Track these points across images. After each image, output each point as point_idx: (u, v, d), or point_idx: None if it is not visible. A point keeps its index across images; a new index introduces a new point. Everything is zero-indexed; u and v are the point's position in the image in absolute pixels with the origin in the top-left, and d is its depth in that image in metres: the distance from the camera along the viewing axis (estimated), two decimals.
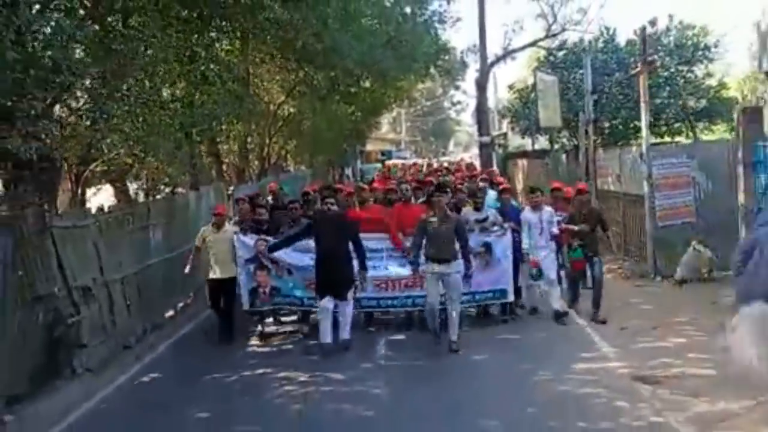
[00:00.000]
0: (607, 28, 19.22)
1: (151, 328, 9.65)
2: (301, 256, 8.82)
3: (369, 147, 42.50)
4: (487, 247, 8.84)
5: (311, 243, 8.49)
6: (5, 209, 7.25)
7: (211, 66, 10.93)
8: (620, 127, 17.89)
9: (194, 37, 10.15)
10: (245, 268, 9.01)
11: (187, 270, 9.17)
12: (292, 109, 20.61)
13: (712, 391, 6.27)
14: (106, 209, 9.46)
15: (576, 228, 9.01)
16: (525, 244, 8.94)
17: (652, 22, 18.21)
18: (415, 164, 27.29)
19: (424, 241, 8.09)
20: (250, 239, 9.01)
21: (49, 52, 6.29)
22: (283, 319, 9.77)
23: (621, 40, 18.85)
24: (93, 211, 9.04)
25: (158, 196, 12.55)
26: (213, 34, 11.09)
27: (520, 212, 9.36)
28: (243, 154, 18.57)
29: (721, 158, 10.69)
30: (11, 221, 7.25)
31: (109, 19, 8.52)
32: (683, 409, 5.90)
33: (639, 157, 11.37)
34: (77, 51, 6.76)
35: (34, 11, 5.76)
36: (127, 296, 9.22)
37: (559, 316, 9.01)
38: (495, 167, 22.72)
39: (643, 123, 11.27)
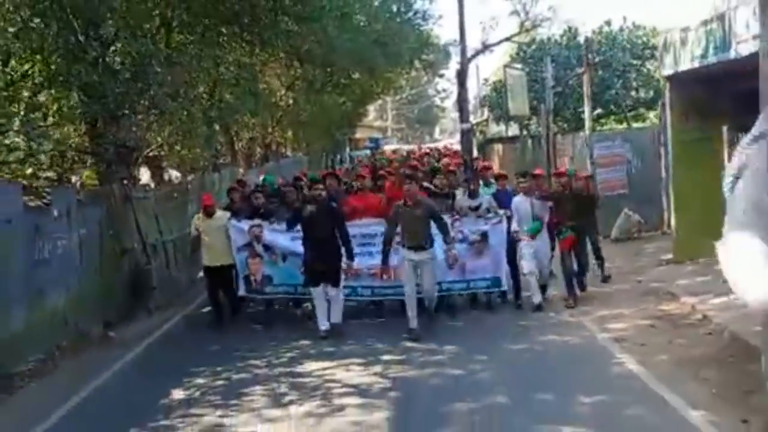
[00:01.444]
0: (570, 28, 21.77)
1: (190, 282, 12.14)
2: (296, 243, 8.73)
3: (358, 135, 44.92)
4: (484, 235, 8.79)
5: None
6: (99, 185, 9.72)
7: (232, 69, 13.41)
8: (581, 116, 20.44)
9: (223, 48, 12.57)
10: (239, 255, 9.02)
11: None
12: (291, 101, 23.05)
13: (616, 303, 8.95)
14: (153, 186, 12.01)
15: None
16: (514, 226, 8.79)
17: (608, 23, 20.83)
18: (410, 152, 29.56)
19: (398, 230, 8.12)
20: (244, 224, 9.03)
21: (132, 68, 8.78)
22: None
23: (585, 36, 21.29)
24: None
25: (189, 177, 15.02)
26: (236, 43, 13.50)
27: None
28: (250, 141, 21.01)
29: (649, 142, 13.33)
30: (104, 193, 9.76)
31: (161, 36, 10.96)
32: (590, 314, 8.54)
33: (584, 142, 14.00)
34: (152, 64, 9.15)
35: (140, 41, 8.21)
36: (176, 255, 11.71)
37: (538, 309, 8.77)
38: (475, 152, 25.31)
39: (587, 113, 13.90)
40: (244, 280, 9.08)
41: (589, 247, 9.75)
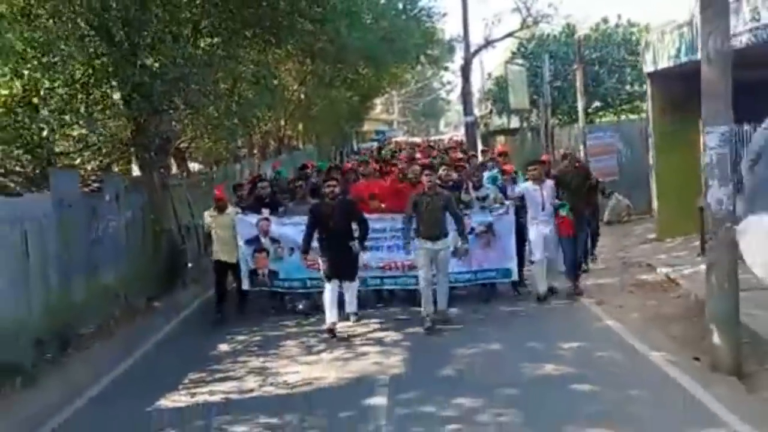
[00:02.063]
0: (568, 25, 22.84)
1: None
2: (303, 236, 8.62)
3: (365, 127, 46.11)
4: (489, 226, 8.80)
5: None
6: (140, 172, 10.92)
7: (251, 67, 14.54)
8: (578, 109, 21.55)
9: (244, 48, 13.69)
10: (245, 250, 9.01)
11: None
12: (302, 96, 24.20)
13: (600, 275, 10.09)
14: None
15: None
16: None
17: (605, 20, 21.92)
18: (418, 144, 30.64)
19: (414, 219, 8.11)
20: (252, 218, 9.03)
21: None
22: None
23: (578, 36, 22.38)
24: None
25: (212, 168, 16.20)
26: (256, 44, 14.62)
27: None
28: (265, 135, 22.17)
29: (637, 133, 14.45)
30: (145, 180, 10.94)
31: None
32: None
33: (579, 134, 15.14)
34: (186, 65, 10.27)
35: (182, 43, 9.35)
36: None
37: (541, 298, 8.76)
38: (479, 143, 26.49)
39: (580, 107, 15.00)
40: (249, 273, 9.05)
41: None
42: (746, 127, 11.11)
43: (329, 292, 8.05)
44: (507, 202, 8.93)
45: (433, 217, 7.99)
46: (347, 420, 5.52)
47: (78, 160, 10.82)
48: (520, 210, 8.93)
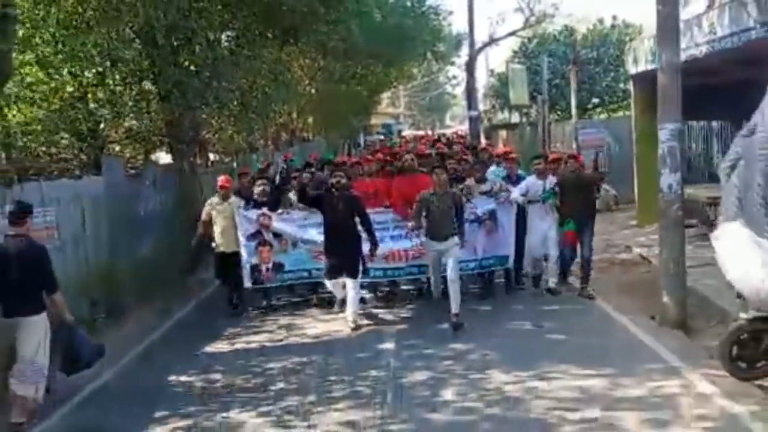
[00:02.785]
0: (566, 26, 24.04)
1: None
2: (307, 229, 8.83)
3: (372, 121, 47.28)
4: (492, 214, 8.81)
5: (318, 219, 8.47)
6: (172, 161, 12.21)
7: (270, 65, 15.80)
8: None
9: (265, 47, 14.94)
10: (247, 244, 8.92)
11: (193, 242, 9.71)
12: (313, 91, 25.47)
13: None
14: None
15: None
16: (515, 193, 8.80)
17: (600, 21, 23.12)
18: (424, 136, 31.82)
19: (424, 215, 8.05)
20: (252, 213, 8.95)
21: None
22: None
23: (573, 38, 23.58)
24: None
25: (232, 157, 17.47)
26: (275, 44, 15.88)
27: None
28: (279, 127, 23.45)
29: (625, 129, 15.65)
30: (177, 167, 12.21)
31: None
32: None
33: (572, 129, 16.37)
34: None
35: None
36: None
37: (552, 292, 8.88)
38: (482, 136, 27.70)
39: (573, 105, 16.23)
40: (251, 269, 8.90)
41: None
42: (714, 124, 12.40)
43: (335, 288, 8.29)
44: (512, 189, 8.83)
45: (442, 217, 7.91)
46: (363, 359, 6.84)
47: (123, 149, 12.08)
48: (522, 208, 8.89)
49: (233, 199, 9.12)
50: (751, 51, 8.16)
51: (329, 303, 8.86)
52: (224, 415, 5.71)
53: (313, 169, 10.83)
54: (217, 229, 9.03)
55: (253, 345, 7.60)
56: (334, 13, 14.64)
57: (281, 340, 7.73)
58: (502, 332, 7.46)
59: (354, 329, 7.83)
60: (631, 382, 5.85)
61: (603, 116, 23.01)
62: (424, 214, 8.01)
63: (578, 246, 8.81)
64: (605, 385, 5.84)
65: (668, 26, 7.14)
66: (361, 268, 8.15)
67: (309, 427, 5.37)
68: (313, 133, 31.55)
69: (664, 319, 7.33)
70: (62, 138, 9.31)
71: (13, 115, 8.09)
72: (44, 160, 9.14)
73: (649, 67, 11.37)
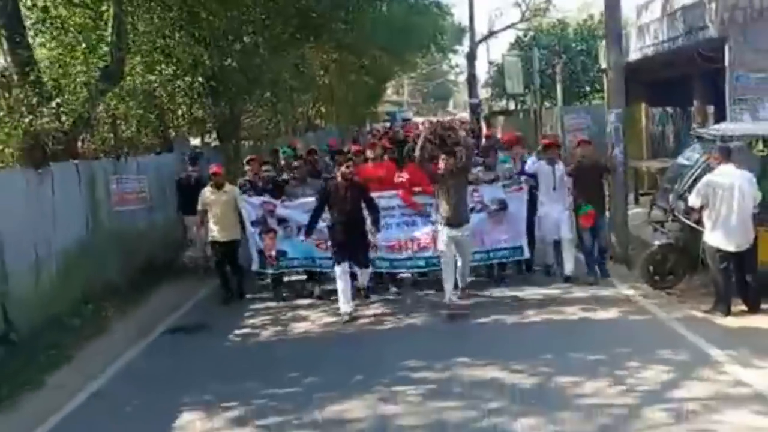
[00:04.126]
0: (559, 20, 26.33)
1: None
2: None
3: (378, 109, 49.59)
4: (502, 203, 8.65)
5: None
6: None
7: (296, 60, 18.18)
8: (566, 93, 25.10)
9: (293, 46, 17.30)
10: (252, 231, 8.90)
11: (193, 234, 9.80)
12: (326, 81, 27.83)
13: None
14: None
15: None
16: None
17: (591, 17, 25.40)
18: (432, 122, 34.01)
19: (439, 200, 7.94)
20: (256, 200, 8.89)
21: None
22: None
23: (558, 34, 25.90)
24: None
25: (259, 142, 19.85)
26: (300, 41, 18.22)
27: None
28: (298, 115, 25.86)
29: (604, 113, 18.02)
30: (222, 148, 14.60)
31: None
32: None
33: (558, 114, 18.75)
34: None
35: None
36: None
37: (568, 279, 8.80)
38: (482, 123, 30.03)
39: (558, 93, 18.58)
40: (258, 253, 8.94)
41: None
42: (669, 109, 14.78)
43: (341, 278, 7.97)
44: (522, 178, 8.81)
45: (456, 197, 7.78)
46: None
47: (185, 133, 14.51)
48: (532, 189, 8.83)
49: (228, 187, 9.06)
50: (680, 53, 10.54)
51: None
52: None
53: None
54: (211, 219, 8.92)
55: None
56: (352, 14, 16.99)
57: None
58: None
59: (350, 320, 7.83)
60: (579, 292, 8.32)
61: (595, 102, 25.28)
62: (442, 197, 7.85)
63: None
64: (560, 293, 8.29)
65: (613, 35, 9.52)
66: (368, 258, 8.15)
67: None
68: (325, 120, 33.97)
69: (613, 256, 9.70)
70: (147, 125, 11.67)
71: (116, 107, 10.46)
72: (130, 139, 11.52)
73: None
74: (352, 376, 6.22)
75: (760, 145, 7.56)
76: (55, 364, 6.88)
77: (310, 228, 8.23)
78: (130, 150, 10.90)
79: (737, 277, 7.41)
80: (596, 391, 5.53)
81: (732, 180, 7.20)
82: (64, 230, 8.43)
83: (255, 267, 9.03)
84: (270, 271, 9.06)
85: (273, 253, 8.85)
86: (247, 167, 9.72)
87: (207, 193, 9.04)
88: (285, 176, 9.74)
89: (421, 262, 8.71)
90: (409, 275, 9.23)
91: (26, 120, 8.03)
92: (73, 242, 8.64)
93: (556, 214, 8.81)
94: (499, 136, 16.12)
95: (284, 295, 9.06)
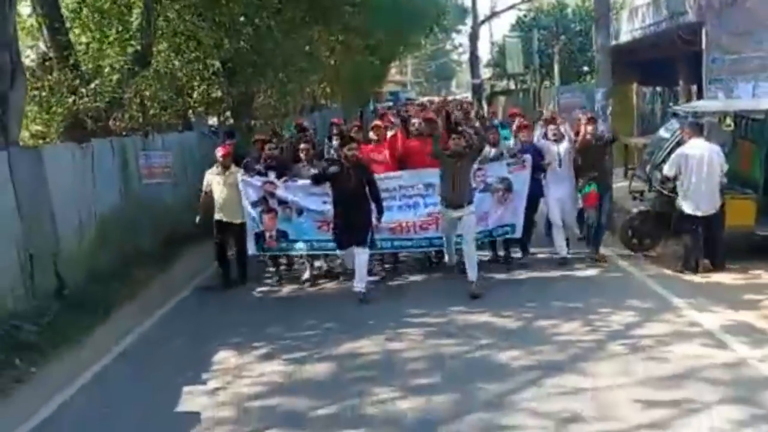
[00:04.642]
0: (559, 1, 27.05)
1: None
2: (313, 198, 8.62)
3: (381, 89, 50.30)
4: (505, 181, 8.61)
5: (323, 188, 8.34)
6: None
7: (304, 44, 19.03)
8: (565, 73, 25.90)
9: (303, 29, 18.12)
10: (252, 210, 8.74)
11: (197, 220, 9.18)
12: (332, 62, 28.60)
13: None
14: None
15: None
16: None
17: None
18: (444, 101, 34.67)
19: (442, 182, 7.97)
20: (256, 181, 8.76)
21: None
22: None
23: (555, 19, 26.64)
24: None
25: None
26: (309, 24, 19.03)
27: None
28: (306, 95, 26.71)
29: None
30: (238, 126, 15.52)
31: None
32: None
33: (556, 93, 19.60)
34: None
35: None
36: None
37: (564, 263, 8.82)
38: (484, 102, 30.84)
39: (556, 72, 19.39)
40: (255, 237, 8.80)
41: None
42: (659, 88, 15.62)
43: (347, 259, 8.18)
44: (526, 157, 8.65)
45: (459, 183, 7.78)
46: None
47: (203, 112, 15.42)
48: (535, 169, 8.69)
49: (234, 168, 8.90)
50: (664, 36, 11.39)
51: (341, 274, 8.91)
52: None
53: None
54: (217, 200, 8.81)
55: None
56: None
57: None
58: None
59: (362, 300, 7.89)
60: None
61: (594, 82, 26.09)
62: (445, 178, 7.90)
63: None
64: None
65: (602, 20, 10.37)
66: (369, 238, 8.07)
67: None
68: (330, 100, 34.77)
69: None
70: (170, 105, 12.60)
71: (145, 89, 11.38)
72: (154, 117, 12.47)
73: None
74: (363, 322, 7.18)
75: (728, 121, 8.45)
76: (100, 316, 7.77)
77: (314, 181, 8.24)
78: (155, 128, 11.80)
79: (705, 239, 8.34)
80: (570, 330, 6.51)
81: (702, 152, 8.10)
82: (102, 199, 9.36)
83: (252, 251, 8.88)
84: (269, 253, 9.06)
85: (273, 233, 8.75)
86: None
87: (211, 174, 8.92)
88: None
89: (424, 242, 8.73)
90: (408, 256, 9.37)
91: (69, 100, 8.93)
92: (109, 210, 9.56)
93: (562, 194, 8.84)
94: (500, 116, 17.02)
95: (284, 274, 9.19)
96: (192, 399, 5.53)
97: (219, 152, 8.99)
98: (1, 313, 6.76)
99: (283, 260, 9.47)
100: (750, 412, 4.69)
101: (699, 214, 8.15)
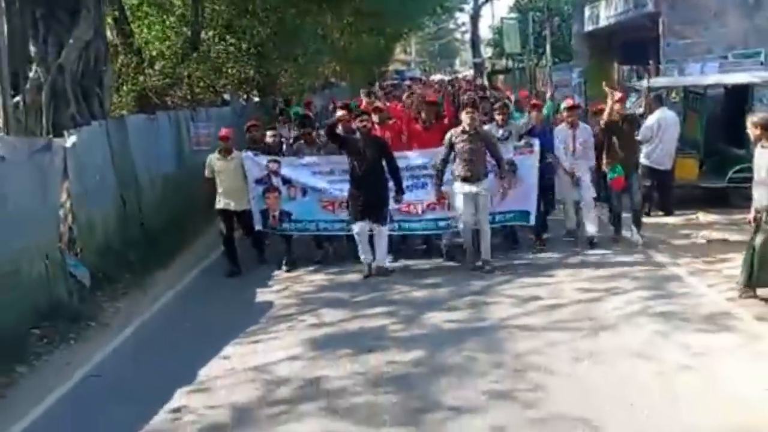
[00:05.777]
0: None
1: None
2: (318, 178, 8.55)
3: (390, 68, 52.06)
4: (511, 165, 8.23)
5: (329, 167, 8.43)
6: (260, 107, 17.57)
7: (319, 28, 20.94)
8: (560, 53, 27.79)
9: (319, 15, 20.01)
10: (255, 189, 8.62)
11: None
12: (342, 43, 30.45)
13: None
14: None
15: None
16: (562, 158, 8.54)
17: None
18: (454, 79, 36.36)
19: (451, 158, 7.81)
20: (262, 159, 8.66)
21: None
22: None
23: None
24: None
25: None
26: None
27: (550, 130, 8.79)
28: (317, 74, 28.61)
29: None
30: (265, 101, 17.52)
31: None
32: None
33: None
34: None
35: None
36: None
37: (593, 244, 8.60)
38: (485, 80, 32.74)
39: (548, 52, 21.32)
40: (261, 214, 8.70)
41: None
42: (635, 66, 17.58)
43: (359, 234, 7.92)
44: (534, 141, 8.34)
45: (473, 157, 7.67)
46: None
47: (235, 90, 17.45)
48: (545, 153, 8.44)
49: (235, 153, 8.69)
50: (632, 23, 13.37)
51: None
52: None
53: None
54: (220, 188, 8.56)
55: None
56: None
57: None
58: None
59: (390, 270, 8.06)
60: None
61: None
62: (451, 156, 7.79)
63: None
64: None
65: (578, 8, 12.32)
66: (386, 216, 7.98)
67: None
68: (339, 78, 36.65)
69: None
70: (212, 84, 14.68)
71: (194, 70, 13.46)
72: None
73: (589, 28, 16.54)
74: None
75: (673, 94, 10.49)
76: (164, 260, 9.29)
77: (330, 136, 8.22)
78: (198, 104, 13.86)
79: (659, 191, 10.34)
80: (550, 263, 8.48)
81: (667, 119, 10.01)
82: (164, 162, 11.39)
83: (258, 227, 8.74)
84: (277, 233, 8.90)
85: (276, 213, 8.66)
86: (248, 135, 9.31)
87: (214, 159, 8.63)
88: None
89: (432, 224, 8.50)
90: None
91: (140, 78, 10.99)
92: (168, 172, 11.59)
93: (578, 175, 8.54)
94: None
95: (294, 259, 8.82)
96: (263, 294, 7.75)
97: (220, 133, 8.85)
98: (110, 241, 8.85)
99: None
100: (656, 293, 6.88)
101: (661, 168, 9.95)
